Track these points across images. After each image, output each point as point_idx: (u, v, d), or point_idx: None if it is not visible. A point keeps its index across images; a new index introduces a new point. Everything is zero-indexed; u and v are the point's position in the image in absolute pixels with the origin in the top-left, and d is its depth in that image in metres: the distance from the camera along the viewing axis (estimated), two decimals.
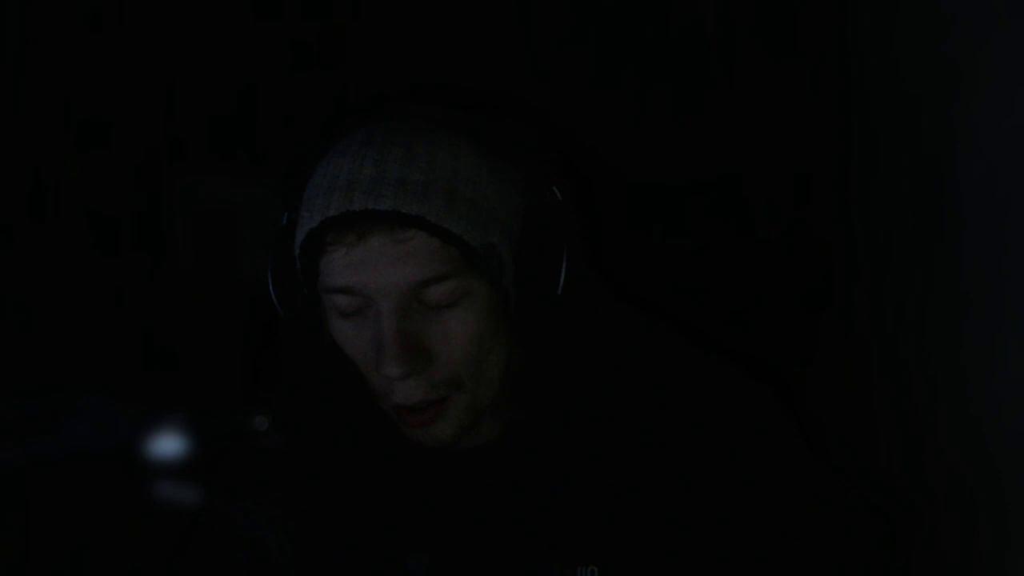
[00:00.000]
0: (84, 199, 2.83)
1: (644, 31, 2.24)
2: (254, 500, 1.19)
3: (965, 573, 1.69)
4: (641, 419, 1.22)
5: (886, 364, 2.01)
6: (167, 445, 3.09)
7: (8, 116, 2.72)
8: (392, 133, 1.18)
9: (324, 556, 1.17)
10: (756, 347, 2.07)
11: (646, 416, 1.22)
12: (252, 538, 1.17)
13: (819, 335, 2.14)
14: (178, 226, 2.97)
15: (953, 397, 1.72)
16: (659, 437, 1.22)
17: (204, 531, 1.22)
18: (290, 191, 1.24)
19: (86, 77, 2.73)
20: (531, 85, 2.17)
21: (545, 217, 1.18)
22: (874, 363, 2.05)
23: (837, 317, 2.12)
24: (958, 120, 1.69)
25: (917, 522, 1.86)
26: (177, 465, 3.05)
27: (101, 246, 2.87)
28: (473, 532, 1.20)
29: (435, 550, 1.16)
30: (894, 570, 1.21)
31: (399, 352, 1.13)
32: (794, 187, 2.18)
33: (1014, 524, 1.59)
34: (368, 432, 1.22)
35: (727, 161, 2.22)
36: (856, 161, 2.07)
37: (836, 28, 2.09)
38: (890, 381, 1.99)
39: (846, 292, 2.12)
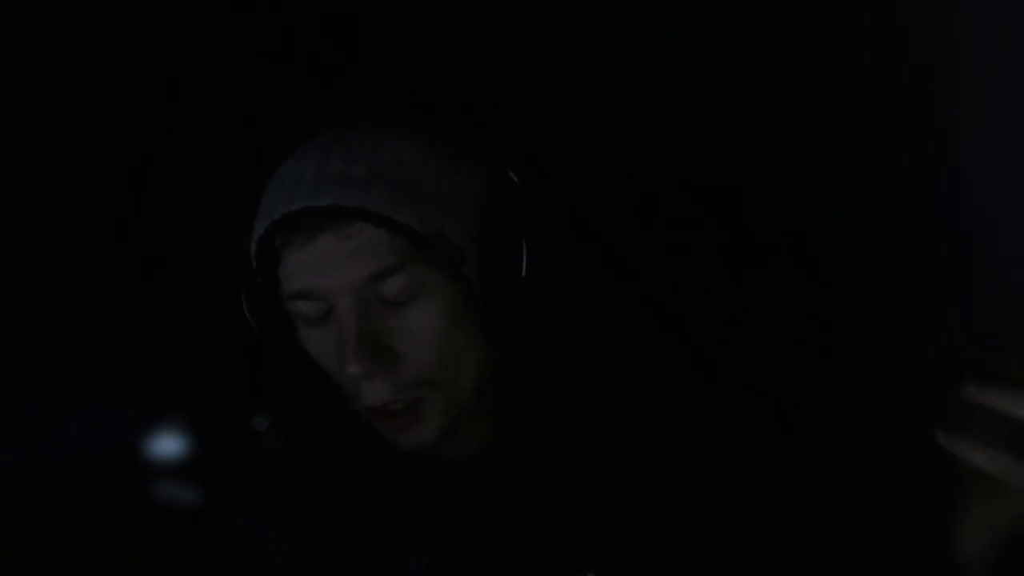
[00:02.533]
0: (83, 199, 2.83)
1: (645, 34, 2.24)
2: (254, 500, 1.19)
3: None
4: (634, 420, 1.21)
5: (887, 367, 2.01)
6: (167, 445, 3.09)
7: (6, 116, 2.72)
8: (335, 134, 1.18)
9: (324, 556, 1.17)
10: (755, 351, 2.07)
11: (639, 417, 1.21)
12: (252, 538, 1.17)
13: (819, 339, 2.14)
14: (178, 227, 2.97)
15: (959, 399, 1.72)
16: (653, 439, 1.21)
17: (204, 531, 1.22)
18: (251, 208, 1.25)
19: (85, 76, 2.73)
20: (530, 87, 2.17)
21: (501, 201, 1.17)
22: (875, 366, 2.05)
23: (837, 320, 2.12)
24: (959, 123, 1.69)
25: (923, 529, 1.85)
26: (177, 465, 3.05)
27: (100, 246, 2.87)
28: (471, 537, 1.20)
29: (435, 551, 1.16)
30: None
31: (359, 349, 1.12)
32: (794, 190, 2.18)
33: None
34: (366, 434, 1.21)
35: (726, 164, 2.22)
36: (856, 164, 2.07)
37: (836, 31, 2.09)
38: (892, 385, 1.99)
39: (846, 296, 2.11)
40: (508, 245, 1.14)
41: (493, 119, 1.27)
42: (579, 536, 1.17)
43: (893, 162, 1.93)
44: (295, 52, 2.76)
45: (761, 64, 2.19)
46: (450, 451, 1.18)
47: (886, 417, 1.98)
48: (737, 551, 1.19)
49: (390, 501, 1.19)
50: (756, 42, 2.19)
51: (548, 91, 2.17)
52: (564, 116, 2.11)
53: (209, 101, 2.87)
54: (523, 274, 1.15)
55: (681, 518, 1.19)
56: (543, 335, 1.21)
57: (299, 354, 1.21)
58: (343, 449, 1.21)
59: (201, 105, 2.87)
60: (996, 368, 1.13)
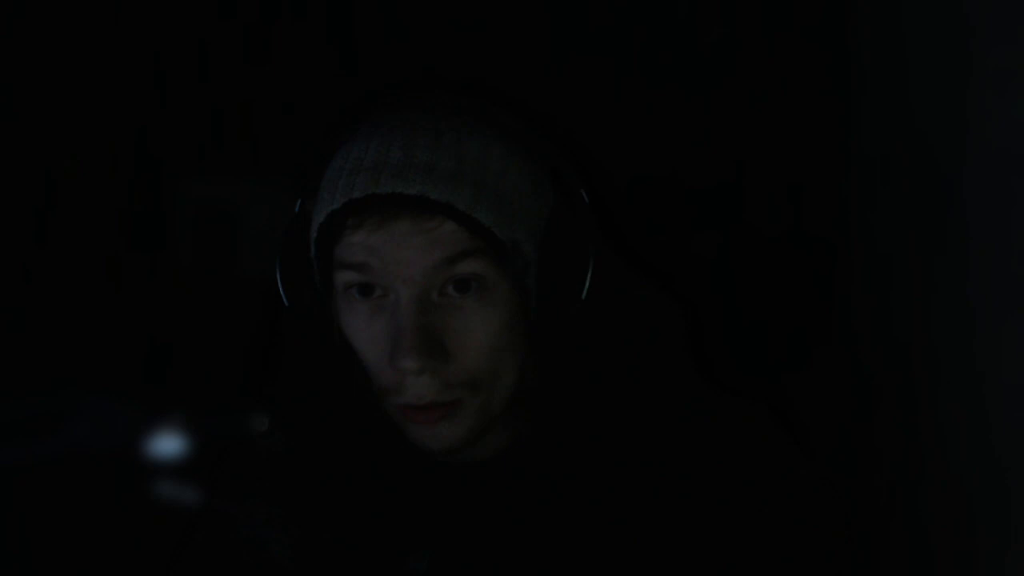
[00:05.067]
0: (84, 199, 2.83)
1: (649, 39, 2.23)
2: (255, 500, 1.18)
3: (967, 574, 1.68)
4: (651, 444, 1.21)
5: (887, 364, 2.01)
6: (167, 445, 3.10)
7: (8, 118, 2.72)
8: (420, 119, 1.15)
9: (325, 556, 1.17)
10: (756, 347, 2.07)
11: (656, 441, 1.21)
12: (252, 538, 1.16)
13: (819, 335, 2.14)
14: (178, 226, 2.97)
15: (956, 397, 1.72)
16: (668, 462, 1.21)
17: (204, 531, 1.21)
18: (307, 176, 1.21)
19: (85, 77, 2.73)
20: (532, 88, 2.17)
21: (572, 219, 1.16)
22: (874, 363, 2.05)
23: (838, 316, 2.12)
24: (958, 122, 1.69)
25: (917, 523, 1.85)
26: (177, 465, 3.06)
27: (101, 246, 2.87)
28: (473, 541, 1.19)
29: (435, 552, 1.16)
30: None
31: (417, 343, 1.09)
32: (795, 190, 2.18)
33: (1016, 525, 1.58)
34: (371, 435, 1.20)
35: (728, 164, 2.22)
36: (856, 164, 2.07)
37: (836, 35, 2.09)
38: (891, 381, 1.99)
39: (847, 292, 2.12)
40: (574, 267, 1.14)
41: (551, 127, 1.26)
42: (582, 548, 1.17)
43: (893, 164, 1.93)
44: (297, 54, 2.76)
45: (762, 70, 2.19)
46: (464, 456, 1.17)
47: (884, 417, 1.98)
48: (749, 569, 1.19)
49: (392, 501, 1.18)
50: (757, 49, 2.19)
51: (550, 94, 2.17)
52: (568, 121, 2.11)
53: (210, 101, 2.86)
54: (583, 297, 1.16)
55: (688, 538, 1.18)
56: (584, 356, 1.21)
57: (323, 343, 1.20)
58: (345, 449, 1.21)
59: (201, 105, 2.87)
60: None
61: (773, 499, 1.19)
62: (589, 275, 1.12)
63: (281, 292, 1.16)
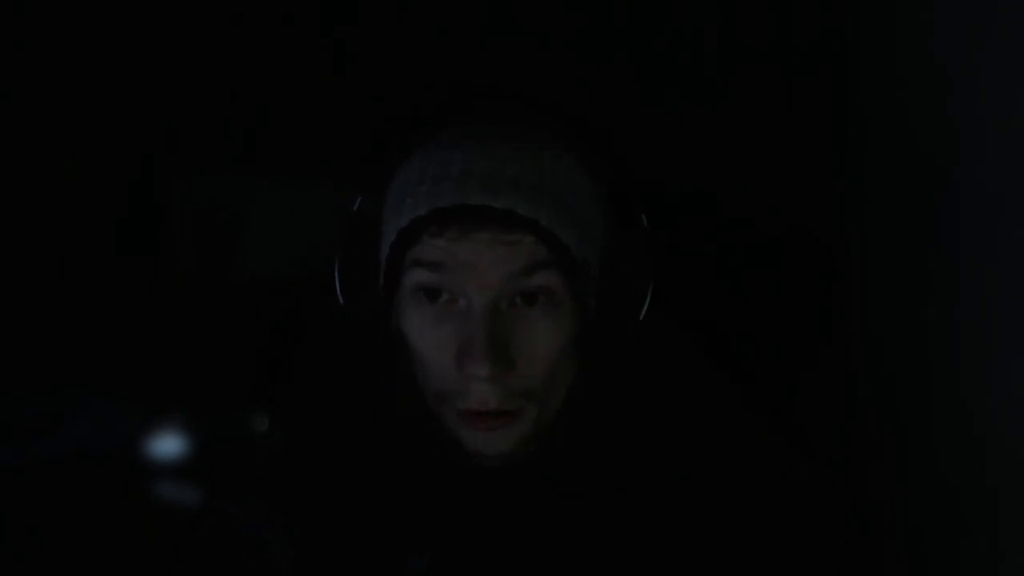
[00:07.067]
0: (84, 199, 2.83)
1: (651, 45, 2.24)
2: (255, 500, 1.19)
3: None
4: (679, 471, 1.22)
5: (881, 364, 2.02)
6: (167, 445, 3.10)
7: (8, 117, 2.72)
8: (503, 131, 1.16)
9: (326, 557, 1.17)
10: (754, 345, 2.07)
11: (684, 470, 1.22)
12: (252, 538, 1.16)
13: (816, 335, 2.14)
14: (177, 226, 2.97)
15: (956, 397, 1.72)
16: (691, 492, 1.21)
17: (204, 531, 1.21)
18: (373, 178, 1.21)
19: (86, 77, 2.74)
20: (536, 92, 2.17)
21: (635, 242, 1.18)
22: (870, 363, 2.05)
23: (838, 319, 2.13)
24: (951, 125, 1.69)
25: (907, 525, 1.86)
26: (177, 465, 3.06)
27: (101, 247, 2.87)
28: (477, 541, 1.20)
29: (436, 551, 1.16)
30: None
31: (490, 351, 1.10)
32: (792, 191, 2.18)
33: (1004, 531, 1.59)
34: (389, 435, 1.21)
35: (728, 165, 2.23)
36: (851, 166, 2.08)
37: (832, 40, 2.10)
38: (885, 380, 2.00)
39: (845, 292, 2.12)
40: (636, 289, 1.16)
41: (612, 148, 1.27)
42: (590, 561, 1.18)
43: (893, 162, 1.93)
44: (297, 54, 2.76)
45: (760, 75, 2.19)
46: (490, 461, 1.18)
47: (878, 417, 1.98)
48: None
49: (396, 502, 1.19)
50: (755, 54, 2.19)
51: (552, 98, 2.17)
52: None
53: (210, 101, 2.87)
54: (640, 319, 1.17)
55: (693, 548, 1.19)
56: (631, 375, 1.22)
57: (368, 341, 1.20)
58: (356, 449, 1.21)
59: (201, 105, 2.87)
60: None
61: (780, 506, 1.20)
62: (648, 298, 1.13)
63: (339, 292, 1.16)
